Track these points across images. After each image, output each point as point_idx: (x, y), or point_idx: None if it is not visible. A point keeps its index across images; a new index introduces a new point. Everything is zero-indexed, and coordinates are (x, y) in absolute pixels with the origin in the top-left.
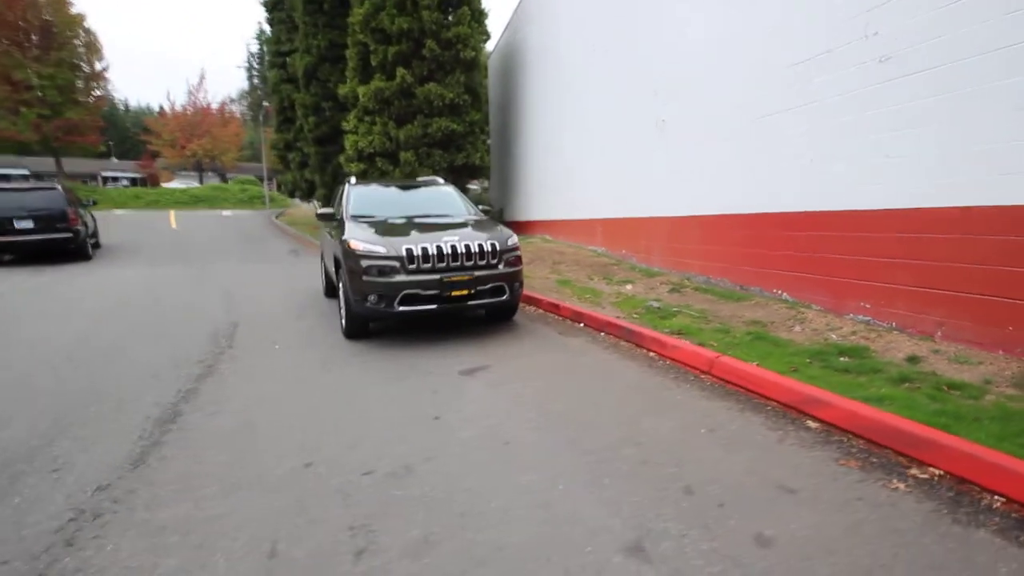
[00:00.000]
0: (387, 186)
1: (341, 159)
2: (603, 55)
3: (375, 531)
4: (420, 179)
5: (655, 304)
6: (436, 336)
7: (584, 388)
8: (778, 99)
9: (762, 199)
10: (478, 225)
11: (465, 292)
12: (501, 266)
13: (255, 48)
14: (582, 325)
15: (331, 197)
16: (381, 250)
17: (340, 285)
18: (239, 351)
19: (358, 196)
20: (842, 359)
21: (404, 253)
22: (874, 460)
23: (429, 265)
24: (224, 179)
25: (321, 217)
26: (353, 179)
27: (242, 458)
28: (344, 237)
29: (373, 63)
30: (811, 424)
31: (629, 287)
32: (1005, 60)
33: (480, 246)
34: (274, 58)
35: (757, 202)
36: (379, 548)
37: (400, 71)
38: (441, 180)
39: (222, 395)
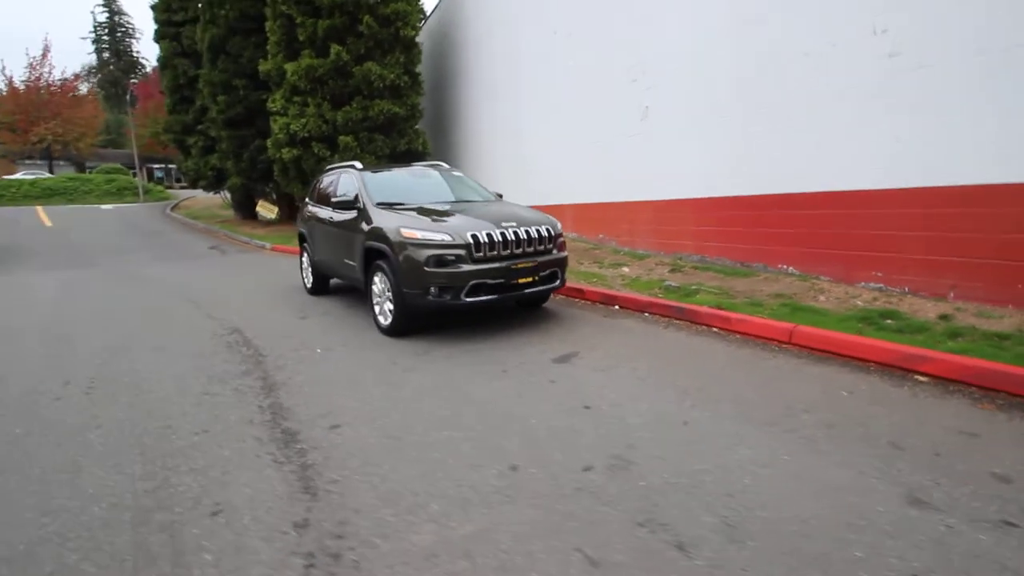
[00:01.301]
0: (396, 171)
1: (269, 143)
2: (566, 39)
3: (667, 524)
4: (426, 163)
5: (672, 284)
6: (475, 329)
7: (692, 365)
8: (782, 87)
9: (763, 181)
10: (514, 208)
11: (530, 279)
12: (555, 251)
13: (103, 16)
14: (617, 307)
15: (309, 187)
16: (445, 238)
17: (377, 279)
18: (278, 359)
19: (374, 182)
20: (887, 321)
21: (471, 240)
22: (1000, 401)
23: (495, 252)
24: (82, 168)
25: (345, 205)
26: (359, 164)
27: (435, 471)
28: (392, 225)
29: (301, 38)
30: (920, 378)
31: (626, 269)
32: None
33: (539, 231)
34: (164, 28)
35: (758, 184)
36: (694, 540)
37: (335, 48)
38: (446, 165)
39: (316, 407)
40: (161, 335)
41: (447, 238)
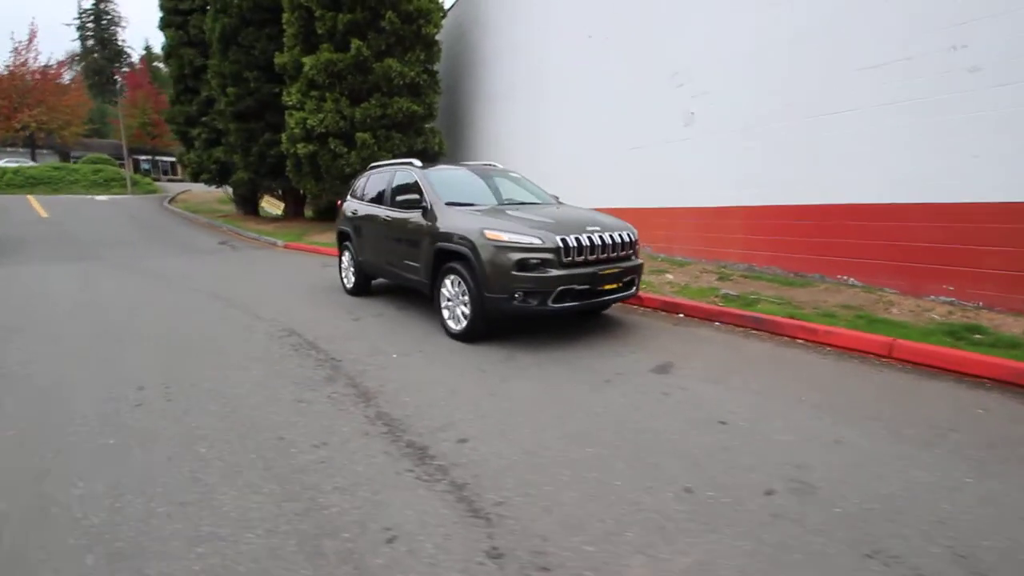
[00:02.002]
0: (456, 170)
1: (283, 137)
2: (602, 43)
3: (898, 556)
4: (481, 163)
5: (731, 292)
6: (547, 334)
7: (803, 378)
8: (846, 99)
9: (824, 191)
10: (588, 211)
11: (614, 285)
12: (634, 257)
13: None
14: (681, 316)
15: (350, 185)
16: (534, 241)
17: (448, 282)
18: (355, 364)
19: (440, 181)
20: (976, 336)
21: (560, 244)
22: None
23: (583, 258)
24: (66, 157)
25: (407, 204)
26: (417, 162)
27: (604, 493)
28: (472, 227)
29: (319, 31)
30: None
31: (670, 276)
32: None
33: (621, 236)
34: (170, 16)
35: (818, 194)
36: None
37: (355, 43)
38: (500, 165)
39: (429, 418)
40: (214, 336)
41: (536, 241)
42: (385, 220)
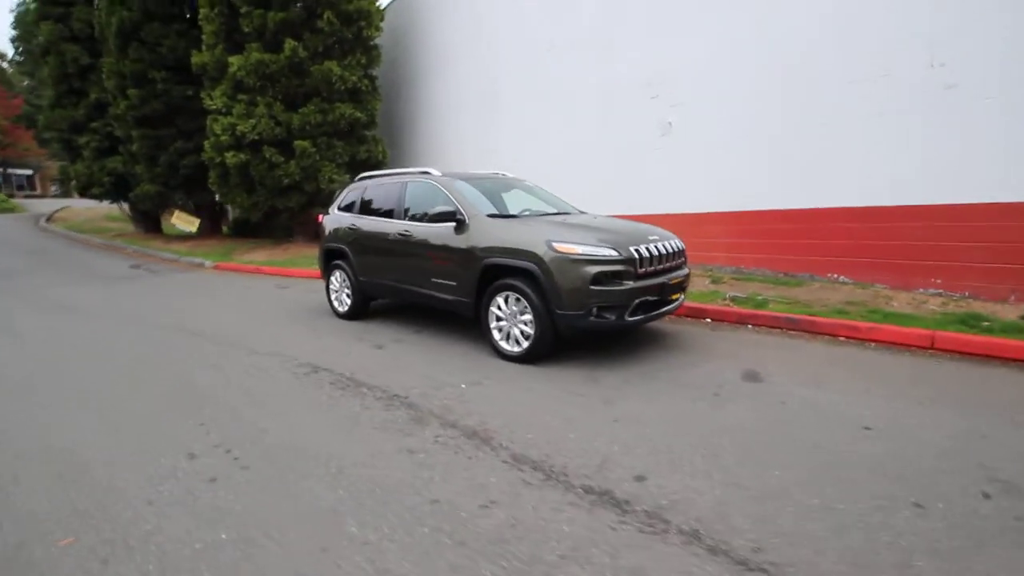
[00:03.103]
0: (477, 179)
1: (206, 145)
2: (564, 51)
3: None
4: (493, 172)
5: (739, 295)
6: (597, 350)
7: (885, 376)
8: (830, 110)
9: (810, 196)
10: (629, 221)
11: (678, 295)
12: (685, 266)
13: None
14: (708, 320)
15: (334, 198)
16: (612, 253)
17: (501, 300)
18: (428, 400)
19: (470, 192)
20: (984, 323)
21: (635, 255)
22: None
23: (653, 268)
24: None
25: (437, 217)
26: (435, 171)
27: (850, 523)
28: (535, 238)
29: (246, 28)
30: None
31: None
32: None
33: (676, 245)
34: (47, 7)
35: (805, 198)
36: None
37: (289, 43)
38: (511, 174)
39: (578, 457)
40: (227, 379)
41: (613, 253)
42: (401, 236)
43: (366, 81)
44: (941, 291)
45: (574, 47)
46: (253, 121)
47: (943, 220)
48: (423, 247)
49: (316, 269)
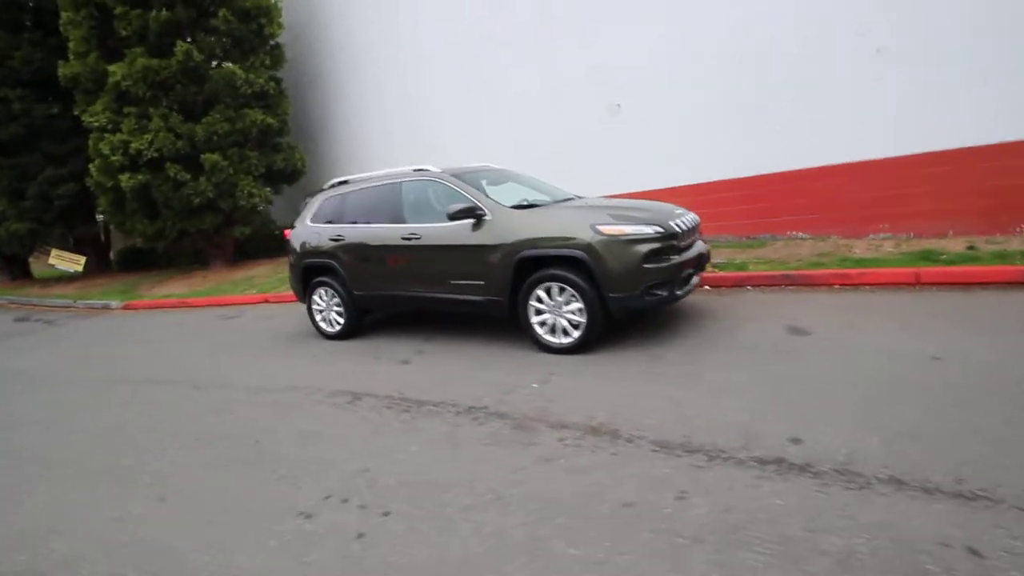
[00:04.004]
0: (476, 171)
1: (93, 169)
2: (500, 43)
3: None
4: (476, 165)
5: (718, 260)
6: (634, 334)
7: (905, 312)
8: (770, 82)
9: (759, 164)
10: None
11: (708, 267)
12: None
13: None
14: (707, 288)
15: (302, 209)
16: (658, 230)
17: (541, 292)
18: (506, 405)
19: (478, 185)
20: (941, 256)
21: (677, 229)
22: None
23: (688, 242)
24: None
25: (457, 215)
26: (433, 167)
27: None
28: (578, 222)
29: (124, 32)
30: None
31: None
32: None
33: (696, 219)
34: None
35: (754, 165)
36: None
37: (181, 45)
38: (498, 165)
39: (717, 433)
40: (263, 427)
41: (659, 230)
42: (405, 240)
43: (272, 84)
44: (890, 235)
45: (508, 38)
46: (149, 136)
47: (883, 173)
48: (438, 249)
49: (261, 293)
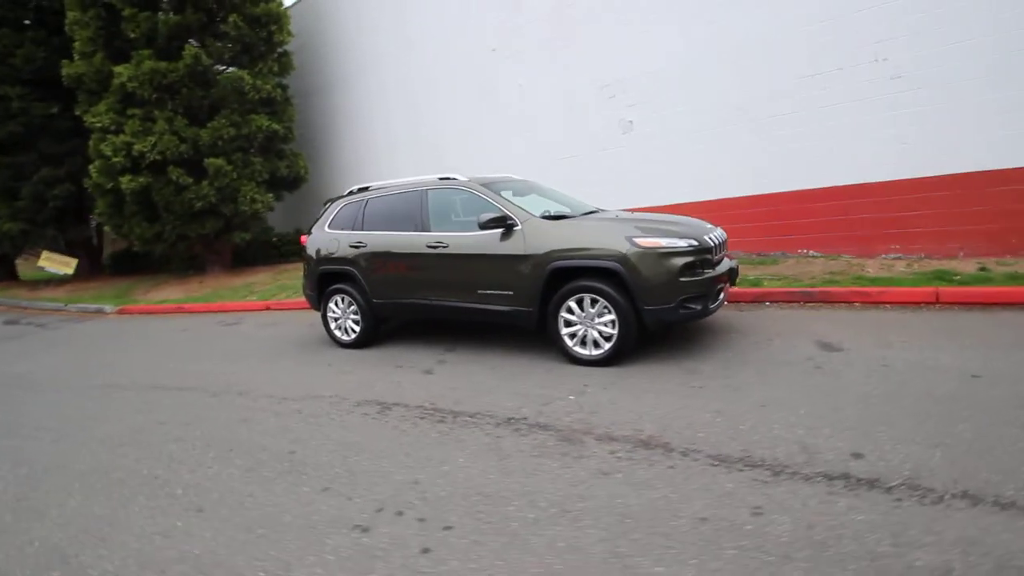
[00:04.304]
0: (499, 181)
1: (93, 170)
2: (512, 55)
3: None
4: (499, 176)
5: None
6: (663, 347)
7: (934, 331)
8: (788, 103)
9: (773, 182)
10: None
11: (736, 281)
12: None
13: None
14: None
15: (319, 215)
16: (692, 243)
17: (574, 304)
18: (547, 417)
19: (508, 195)
20: (955, 277)
21: (710, 243)
22: None
23: (720, 256)
24: None
25: (487, 224)
26: (461, 176)
27: None
28: (612, 235)
29: (132, 33)
30: None
31: None
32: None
33: (724, 234)
34: None
35: (768, 184)
36: None
37: (190, 49)
38: (519, 177)
39: (773, 447)
40: (296, 437)
41: (694, 243)
42: (431, 248)
43: (279, 90)
44: (901, 255)
45: (521, 50)
46: (152, 138)
47: (894, 194)
48: (465, 258)
49: (262, 300)
